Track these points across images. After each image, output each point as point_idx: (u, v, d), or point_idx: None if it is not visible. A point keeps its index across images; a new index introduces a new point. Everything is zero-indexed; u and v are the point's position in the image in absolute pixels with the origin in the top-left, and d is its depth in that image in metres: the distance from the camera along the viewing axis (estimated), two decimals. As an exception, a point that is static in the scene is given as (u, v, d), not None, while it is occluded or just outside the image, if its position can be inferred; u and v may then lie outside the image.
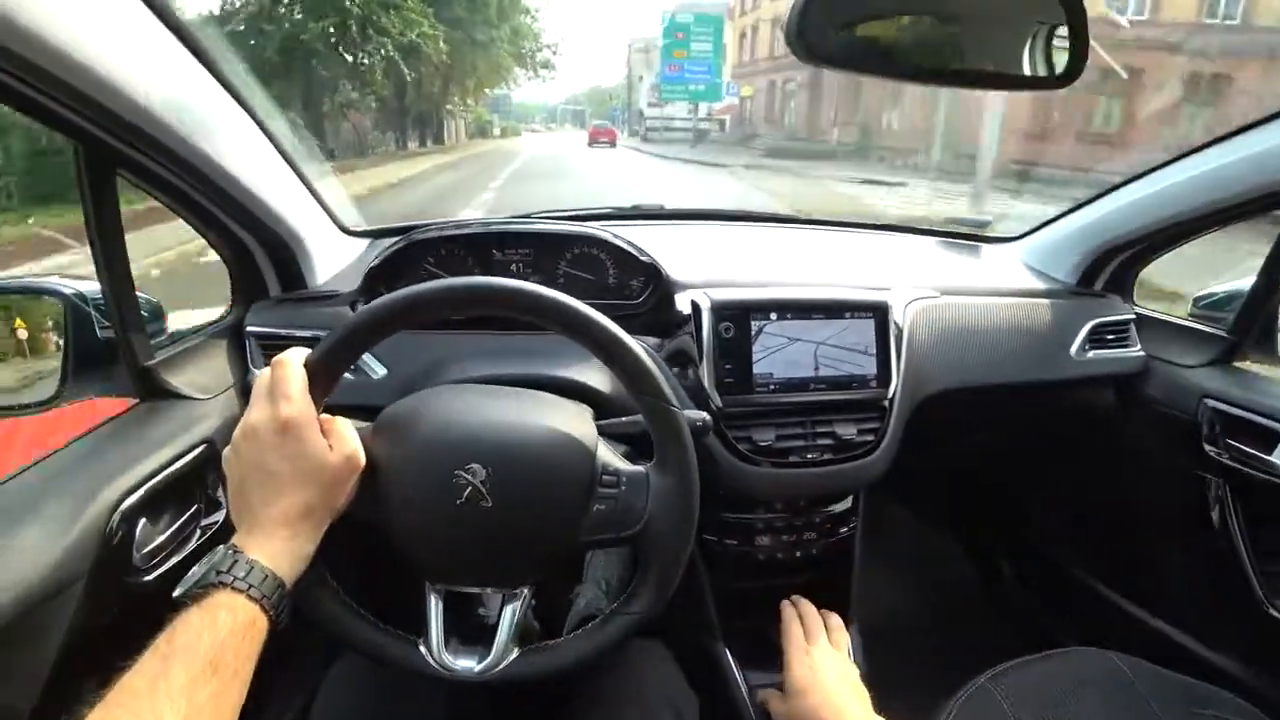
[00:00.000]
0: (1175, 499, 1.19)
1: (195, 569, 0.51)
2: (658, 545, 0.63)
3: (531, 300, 0.60)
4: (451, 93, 27.72)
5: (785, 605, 0.94)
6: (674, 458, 0.63)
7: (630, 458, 0.68)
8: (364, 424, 0.66)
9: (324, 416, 0.58)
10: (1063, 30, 0.71)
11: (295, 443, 0.54)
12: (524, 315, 0.61)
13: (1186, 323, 1.24)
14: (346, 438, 0.58)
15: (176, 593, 0.50)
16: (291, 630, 0.53)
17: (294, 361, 0.57)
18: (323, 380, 0.58)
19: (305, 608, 0.59)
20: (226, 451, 0.57)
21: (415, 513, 0.60)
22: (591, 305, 0.62)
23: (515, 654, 0.63)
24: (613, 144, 33.80)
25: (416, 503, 0.60)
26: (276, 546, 0.53)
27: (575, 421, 0.66)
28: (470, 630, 0.65)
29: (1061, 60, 0.71)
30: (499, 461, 0.60)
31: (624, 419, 0.71)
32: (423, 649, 0.62)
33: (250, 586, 0.49)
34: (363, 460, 0.58)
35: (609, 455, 0.65)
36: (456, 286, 0.60)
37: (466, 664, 0.62)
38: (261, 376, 0.57)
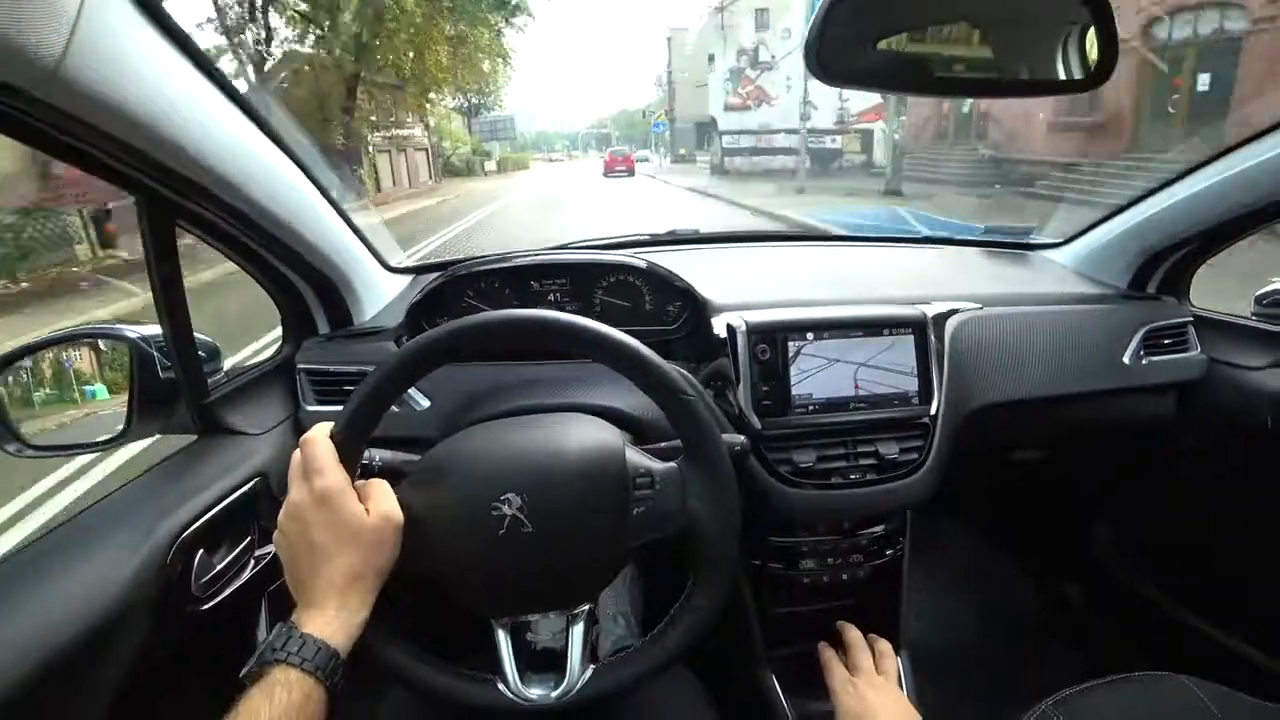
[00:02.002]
0: (1251, 510, 1.12)
1: (257, 650, 0.53)
2: (704, 538, 0.63)
3: (513, 325, 0.62)
4: (364, 109, 17.86)
5: (822, 646, 0.92)
6: (701, 447, 0.63)
7: (669, 462, 0.67)
8: (412, 457, 0.68)
9: (359, 482, 0.61)
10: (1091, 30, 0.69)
11: (332, 512, 0.57)
12: (510, 343, 0.63)
13: (1249, 322, 1.18)
14: (382, 498, 0.60)
15: (241, 673, 0.52)
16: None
17: (320, 437, 0.60)
18: (351, 447, 0.60)
19: (381, 667, 0.61)
20: (275, 535, 0.60)
21: (463, 554, 0.61)
22: (628, 331, 0.63)
23: (590, 673, 0.63)
24: (630, 172, 27.87)
25: (462, 544, 0.61)
26: (329, 616, 0.55)
27: (600, 433, 0.67)
28: (531, 658, 0.66)
29: (1092, 60, 0.70)
30: (531, 486, 0.61)
31: (663, 444, 0.71)
32: (500, 685, 0.63)
33: (304, 660, 0.51)
34: (399, 517, 0.60)
35: (639, 458, 0.66)
36: (421, 344, 0.62)
37: (542, 692, 0.63)
38: (294, 457, 0.60)
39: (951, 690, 0.92)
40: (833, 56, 0.59)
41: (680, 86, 38.16)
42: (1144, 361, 1.13)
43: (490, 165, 39.30)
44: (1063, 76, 0.70)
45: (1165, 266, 1.21)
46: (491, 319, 0.63)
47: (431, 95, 21.86)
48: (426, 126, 26.27)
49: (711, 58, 27.51)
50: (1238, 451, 1.13)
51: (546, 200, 18.16)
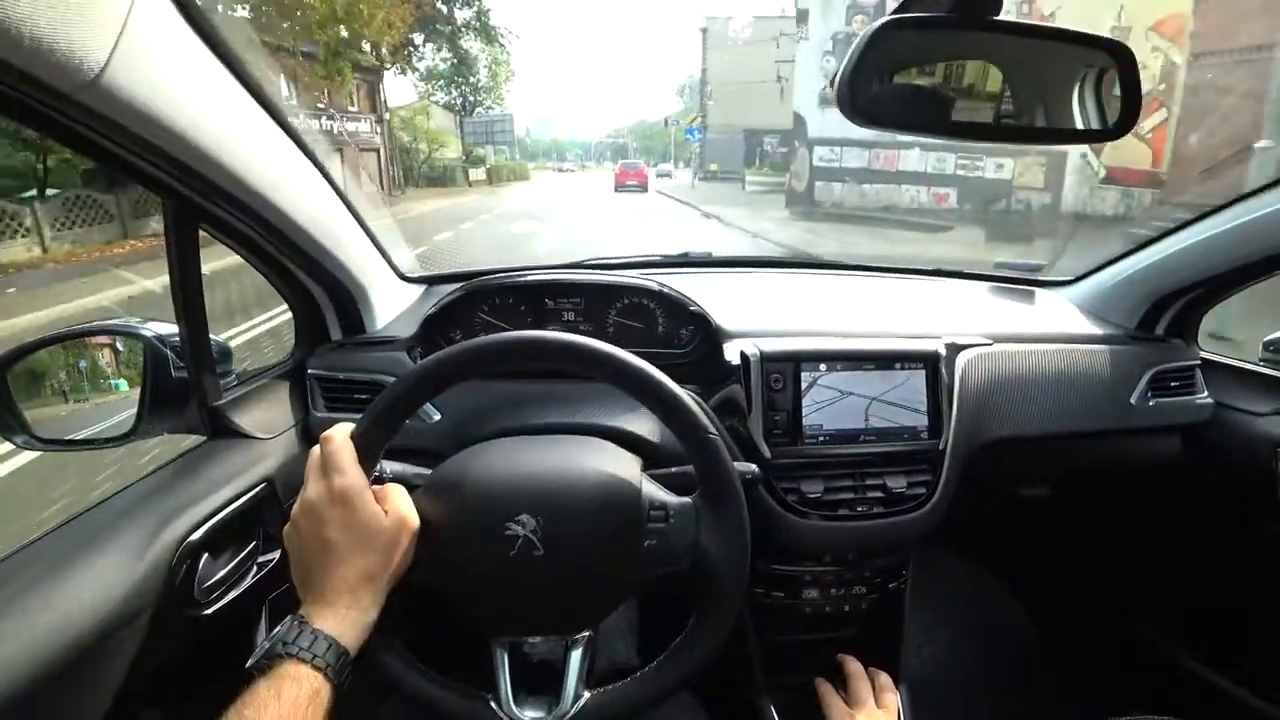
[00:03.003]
0: (1252, 555, 1.12)
1: (263, 641, 0.53)
2: (713, 575, 0.63)
3: (540, 346, 0.63)
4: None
5: (819, 681, 0.91)
6: (718, 485, 0.64)
7: (685, 497, 0.67)
8: (423, 470, 0.68)
9: (376, 486, 0.61)
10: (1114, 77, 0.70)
11: (350, 511, 0.57)
12: (537, 363, 0.63)
13: (1257, 368, 1.19)
14: (399, 502, 0.60)
15: (247, 664, 0.52)
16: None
17: (341, 436, 0.60)
18: (370, 450, 0.61)
19: (377, 673, 0.61)
20: (287, 529, 0.60)
21: (472, 570, 0.62)
22: (640, 354, 0.64)
23: (586, 698, 0.63)
24: (643, 188, 24.35)
25: (472, 560, 0.61)
26: (340, 615, 0.55)
27: (617, 461, 0.68)
28: (531, 677, 0.66)
29: (1114, 110, 0.70)
30: (547, 510, 0.61)
31: (674, 469, 0.71)
32: (493, 704, 0.63)
33: (315, 656, 0.51)
34: (416, 522, 0.60)
35: (655, 490, 0.66)
36: (455, 354, 0.63)
37: (535, 714, 0.63)
38: (313, 454, 0.60)
39: None
40: (863, 95, 0.60)
41: (718, 88, 29.94)
42: (1151, 403, 1.14)
43: (478, 174, 30.02)
44: (1088, 125, 0.71)
45: (1174, 309, 1.22)
46: (523, 339, 0.64)
47: (344, 65, 15.89)
48: (380, 120, 19.56)
49: (803, 17, 15.69)
50: (1242, 496, 1.13)
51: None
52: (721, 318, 1.04)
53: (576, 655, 0.64)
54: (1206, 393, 1.18)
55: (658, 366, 0.64)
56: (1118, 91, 0.70)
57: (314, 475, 0.59)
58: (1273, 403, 1.11)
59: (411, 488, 0.65)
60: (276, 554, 0.85)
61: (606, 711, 0.63)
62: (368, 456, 0.60)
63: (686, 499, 0.65)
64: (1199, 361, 1.20)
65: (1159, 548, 1.35)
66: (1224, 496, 1.17)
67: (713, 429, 0.63)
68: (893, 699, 0.89)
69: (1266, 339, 1.21)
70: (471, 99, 31.11)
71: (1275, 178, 0.99)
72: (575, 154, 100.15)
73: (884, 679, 0.91)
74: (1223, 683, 1.19)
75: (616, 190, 23.85)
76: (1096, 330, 1.24)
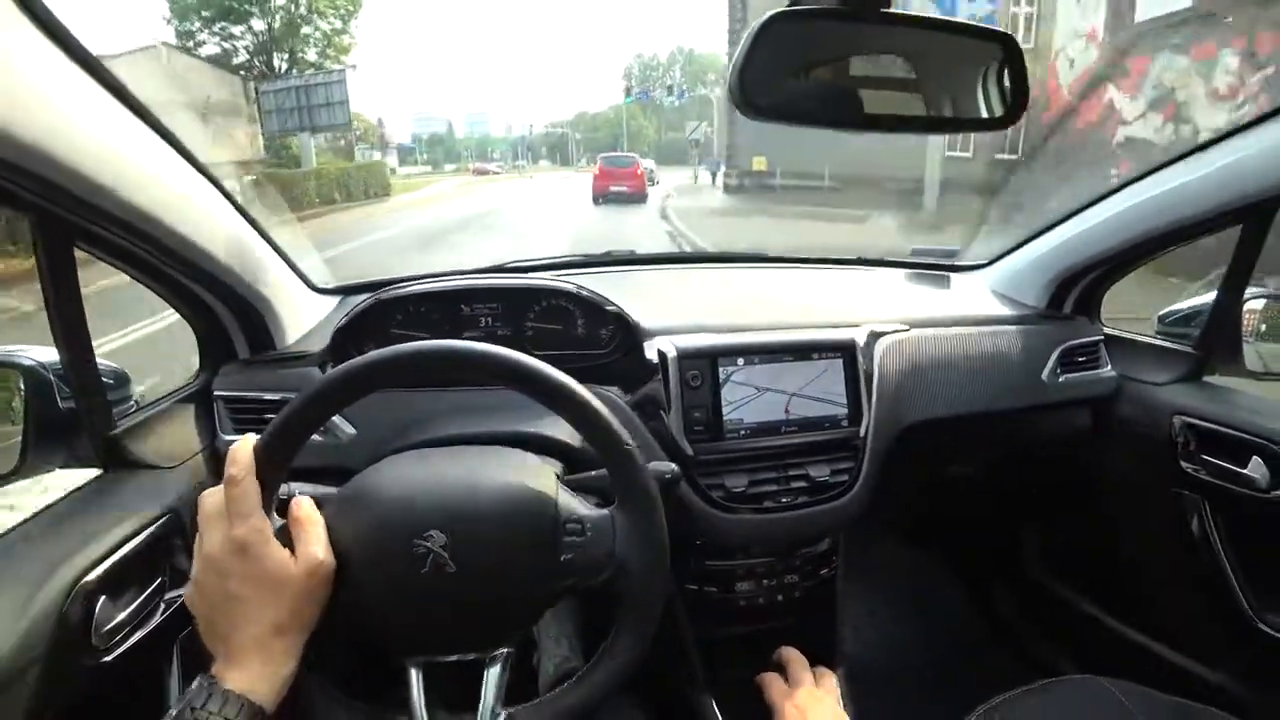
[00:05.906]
0: (1157, 518, 1.19)
1: (172, 706, 0.50)
2: (631, 587, 0.62)
3: (455, 357, 0.60)
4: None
5: (761, 675, 0.92)
6: (633, 495, 0.62)
7: (603, 509, 0.66)
8: (330, 490, 0.65)
9: (295, 510, 0.57)
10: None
11: (254, 562, 0.53)
12: (448, 375, 0.62)
13: (1154, 341, 1.26)
14: (311, 543, 0.56)
15: None
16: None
17: (241, 475, 0.54)
18: (267, 482, 0.56)
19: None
20: (188, 589, 0.56)
21: (380, 589, 0.59)
22: (560, 356, 0.62)
23: (503, 716, 0.61)
24: (639, 196, 17.11)
25: (380, 579, 0.58)
26: (254, 672, 0.52)
27: (533, 473, 0.65)
28: (446, 696, 0.64)
29: (1004, 101, 0.73)
30: (457, 524, 0.59)
31: (593, 473, 0.70)
32: None
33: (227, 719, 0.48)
34: (331, 564, 0.56)
35: (572, 503, 0.64)
36: (341, 374, 0.59)
37: None
38: (203, 502, 0.56)
39: (888, 703, 0.94)
40: (757, 90, 0.60)
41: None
42: (1061, 379, 1.19)
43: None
44: (984, 115, 0.73)
45: (1079, 288, 1.28)
46: (419, 349, 0.60)
47: None
48: None
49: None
50: (1146, 463, 1.19)
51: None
52: (641, 316, 1.03)
53: (494, 672, 0.61)
54: (1110, 366, 1.24)
55: (578, 367, 0.63)
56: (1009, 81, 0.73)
57: (208, 526, 0.54)
58: (1169, 373, 1.18)
59: (318, 506, 0.62)
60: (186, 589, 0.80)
61: None
62: (265, 490, 0.56)
63: (604, 511, 0.63)
64: (1102, 337, 1.26)
65: (1079, 517, 1.42)
66: (1130, 464, 1.24)
67: (628, 440, 0.62)
68: (831, 681, 0.90)
69: (1160, 312, 1.29)
70: (287, 51, 17.29)
71: (1164, 160, 1.05)
72: (501, 150, 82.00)
73: (822, 668, 0.93)
74: (1141, 638, 1.26)
75: (597, 202, 17.01)
76: (1009, 311, 1.29)
